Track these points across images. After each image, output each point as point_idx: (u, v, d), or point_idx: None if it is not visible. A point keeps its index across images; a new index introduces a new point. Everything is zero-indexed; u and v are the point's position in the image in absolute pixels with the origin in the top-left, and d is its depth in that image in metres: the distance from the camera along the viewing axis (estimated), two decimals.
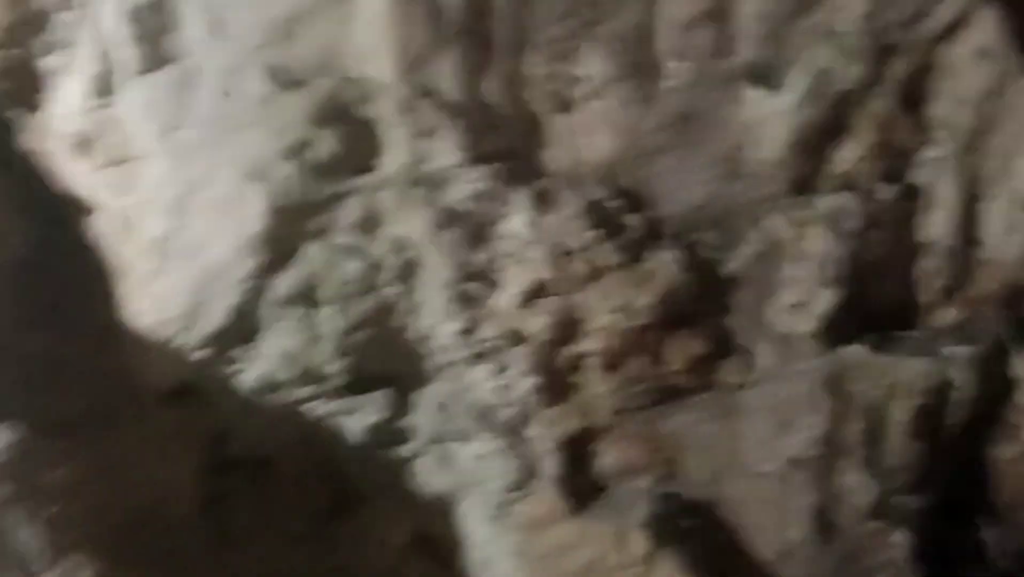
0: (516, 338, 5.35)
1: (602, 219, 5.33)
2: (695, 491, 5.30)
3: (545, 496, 5.31)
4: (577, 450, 5.34)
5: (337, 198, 5.42)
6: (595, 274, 5.28)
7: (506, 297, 5.37)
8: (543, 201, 5.39)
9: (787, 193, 5.20)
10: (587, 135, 5.47)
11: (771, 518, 5.11)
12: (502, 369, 5.34)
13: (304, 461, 5.37)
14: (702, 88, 5.26)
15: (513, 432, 5.35)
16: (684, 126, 5.32)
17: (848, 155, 5.04)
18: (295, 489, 5.30)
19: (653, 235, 5.34)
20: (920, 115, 5.00)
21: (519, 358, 5.31)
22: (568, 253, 5.29)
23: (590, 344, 5.32)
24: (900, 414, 4.74)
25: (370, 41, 5.40)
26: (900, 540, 4.84)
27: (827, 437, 4.80)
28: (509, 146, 5.55)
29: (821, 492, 4.92)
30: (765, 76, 5.13)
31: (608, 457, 5.38)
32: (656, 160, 5.39)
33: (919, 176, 4.98)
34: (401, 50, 5.43)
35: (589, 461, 5.35)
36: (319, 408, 5.42)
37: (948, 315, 4.98)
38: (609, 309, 5.25)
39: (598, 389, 5.32)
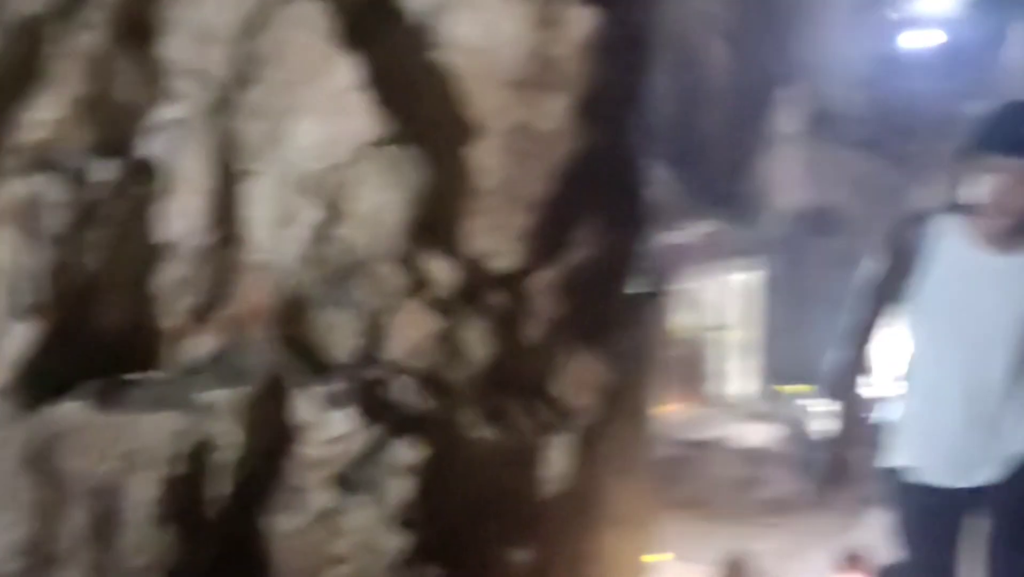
0: None
1: None
2: None
3: None
4: None
5: None
6: None
7: None
8: None
9: None
10: None
11: None
12: None
13: None
14: None
15: None
16: None
17: (44, 116, 4.22)
18: None
19: None
20: (150, 57, 4.27)
21: None
22: None
23: None
24: (141, 493, 4.07)
25: None
26: None
27: (33, 540, 4.03)
28: None
29: None
30: None
31: None
32: None
33: (153, 147, 4.25)
34: None
35: None
36: None
37: (202, 344, 4.36)
38: None
39: None
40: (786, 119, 18.66)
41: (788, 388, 18.31)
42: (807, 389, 17.74)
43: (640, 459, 6.43)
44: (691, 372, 18.55)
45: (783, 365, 19.41)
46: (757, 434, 18.00)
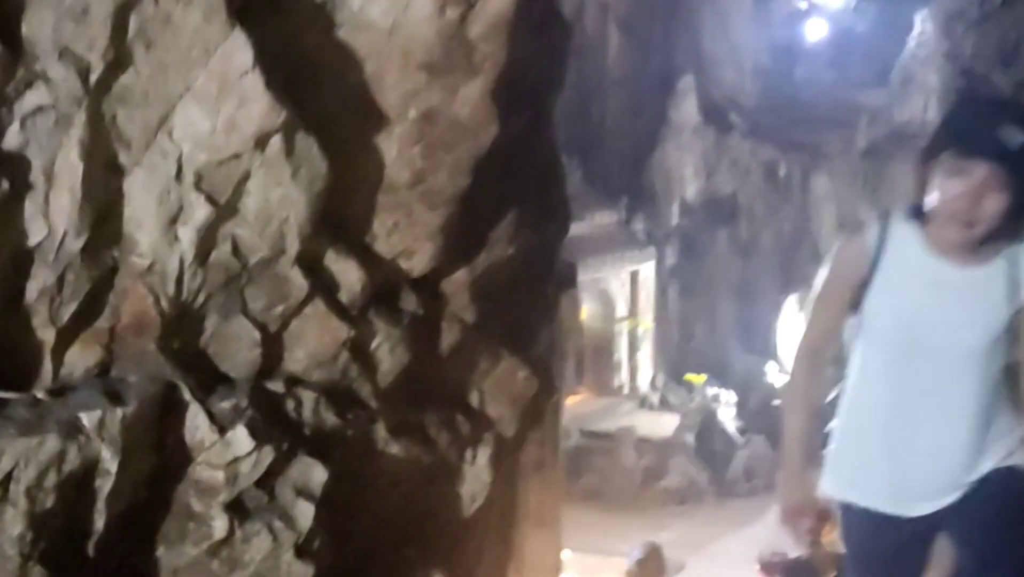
0: None
1: None
2: None
3: None
4: None
5: None
6: None
7: None
8: None
9: None
10: None
11: None
12: None
13: None
14: None
15: None
16: None
17: None
18: None
19: None
20: (13, 36, 3.84)
21: None
22: None
23: None
24: (10, 529, 3.75)
25: None
26: None
27: None
28: None
29: None
30: None
31: None
32: None
33: (16, 138, 3.87)
34: None
35: None
36: None
37: (80, 359, 4.01)
38: None
39: None
40: (683, 109, 18.69)
41: (690, 377, 18.35)
42: (705, 378, 17.88)
43: (555, 458, 6.25)
44: (593, 363, 18.50)
45: (683, 354, 19.50)
46: (661, 424, 17.97)
